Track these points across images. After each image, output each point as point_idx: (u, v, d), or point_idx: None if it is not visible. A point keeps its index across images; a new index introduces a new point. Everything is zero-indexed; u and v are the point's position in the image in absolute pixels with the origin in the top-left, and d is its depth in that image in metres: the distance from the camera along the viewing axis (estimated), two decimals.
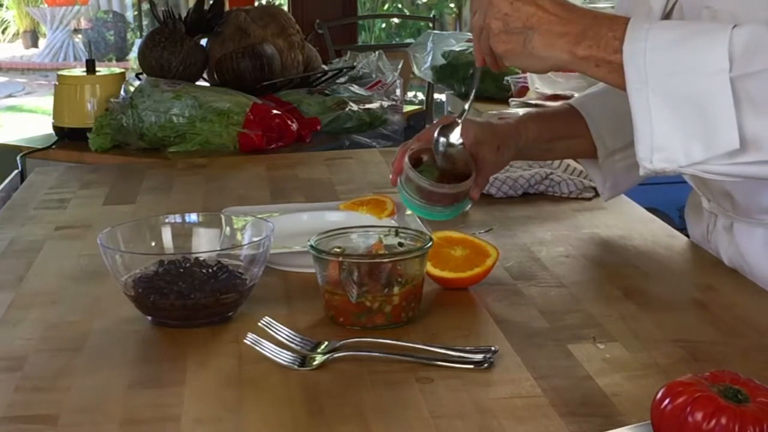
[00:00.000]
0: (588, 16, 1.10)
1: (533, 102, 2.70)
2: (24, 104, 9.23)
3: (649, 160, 1.05)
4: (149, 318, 1.13)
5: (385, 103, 2.74)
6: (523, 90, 2.85)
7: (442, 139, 1.30)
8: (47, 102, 8.48)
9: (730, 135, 0.99)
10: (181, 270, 1.13)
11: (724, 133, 1.00)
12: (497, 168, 1.39)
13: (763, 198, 1.20)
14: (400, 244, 1.17)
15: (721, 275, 1.27)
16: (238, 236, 1.23)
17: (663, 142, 1.03)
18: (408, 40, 5.09)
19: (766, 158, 1.01)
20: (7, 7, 12.22)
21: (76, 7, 11.69)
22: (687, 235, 1.45)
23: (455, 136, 1.30)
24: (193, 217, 1.27)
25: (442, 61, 3.20)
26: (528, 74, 2.81)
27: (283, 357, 1.01)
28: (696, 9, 1.18)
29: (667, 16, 1.24)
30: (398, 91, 2.87)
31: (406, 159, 1.30)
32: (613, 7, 1.75)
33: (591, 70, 1.09)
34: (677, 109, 1.02)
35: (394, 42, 8.35)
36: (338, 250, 1.14)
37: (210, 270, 1.14)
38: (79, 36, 11.55)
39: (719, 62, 0.99)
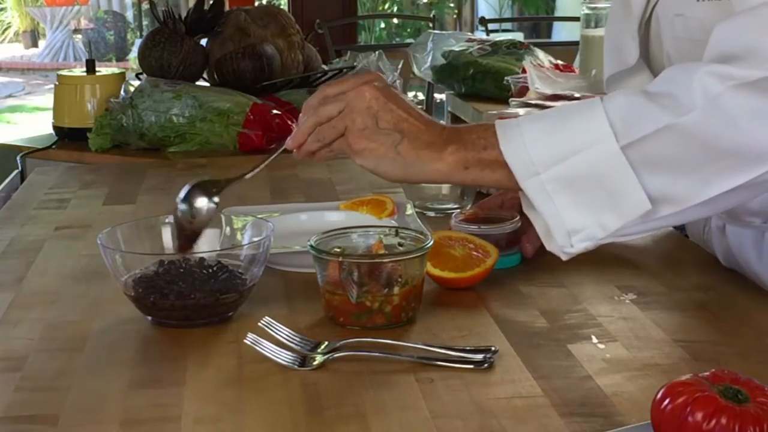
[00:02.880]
0: (454, 126, 1.10)
1: (533, 102, 2.70)
2: (25, 104, 9.23)
3: (569, 245, 1.05)
4: (149, 318, 1.13)
5: None
6: (523, 90, 2.84)
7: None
8: (46, 102, 8.52)
9: (639, 198, 1.00)
10: (181, 270, 1.13)
11: (632, 199, 1.01)
12: None
13: (750, 202, 1.20)
14: (400, 244, 1.17)
15: (721, 275, 1.27)
16: (238, 236, 1.23)
17: (576, 224, 1.03)
18: (408, 40, 5.09)
19: (679, 209, 1.02)
20: (8, 8, 12.22)
21: (76, 7, 11.70)
22: (687, 235, 1.45)
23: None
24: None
25: (442, 61, 3.20)
26: (528, 74, 2.81)
27: (283, 357, 1.01)
28: (669, 17, 1.19)
29: (646, 23, 1.25)
30: None
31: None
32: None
33: (459, 175, 1.08)
34: (578, 189, 1.02)
35: (394, 42, 8.36)
36: (338, 250, 1.14)
37: (210, 270, 1.14)
38: (79, 36, 11.55)
39: (603, 137, 1.00)
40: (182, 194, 1.15)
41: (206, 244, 1.22)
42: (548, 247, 1.07)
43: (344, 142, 1.12)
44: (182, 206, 1.14)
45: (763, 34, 0.98)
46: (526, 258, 1.32)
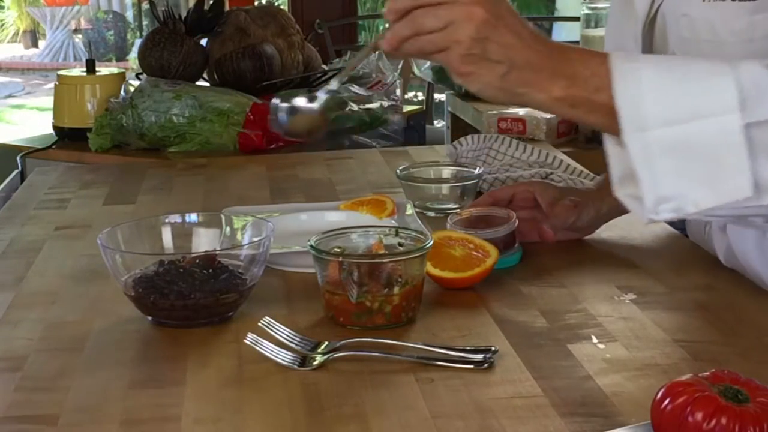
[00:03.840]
0: (566, 52, 1.03)
1: None
2: (24, 104, 9.23)
3: (654, 212, 0.99)
4: (149, 318, 1.13)
5: (385, 103, 2.74)
6: None
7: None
8: (40, 102, 8.50)
9: (742, 183, 0.95)
10: (181, 270, 1.13)
11: (736, 181, 0.96)
12: (566, 224, 1.35)
13: None
14: (400, 244, 1.17)
15: (721, 275, 1.27)
16: (238, 236, 1.23)
17: (669, 192, 0.98)
18: None
19: None
20: (7, 7, 12.22)
21: (76, 7, 11.70)
22: (687, 235, 1.45)
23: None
24: (193, 217, 1.27)
25: None
26: None
27: (283, 357, 1.01)
28: (675, 17, 1.18)
29: (651, 22, 1.24)
30: (398, 91, 2.87)
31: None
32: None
33: (562, 110, 1.02)
34: (684, 158, 0.96)
35: None
36: (338, 250, 1.14)
37: (210, 270, 1.14)
38: (79, 36, 11.56)
39: (728, 109, 0.94)
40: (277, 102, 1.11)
41: (206, 245, 1.23)
42: (621, 197, 1.01)
43: (446, 60, 1.02)
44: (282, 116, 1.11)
45: None
46: (526, 256, 1.32)
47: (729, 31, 1.10)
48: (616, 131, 0.99)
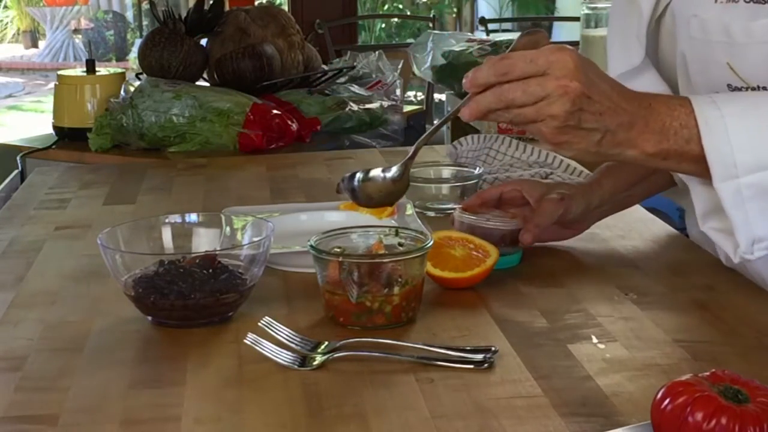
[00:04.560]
0: (647, 105, 1.04)
1: None
2: (23, 104, 9.22)
3: (750, 252, 1.04)
4: (149, 318, 1.13)
5: (385, 103, 2.74)
6: None
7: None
8: (38, 104, 8.48)
9: None
10: (181, 270, 1.13)
11: None
12: (553, 218, 1.32)
13: None
14: (400, 244, 1.17)
15: (721, 275, 1.27)
16: (238, 236, 1.23)
17: (763, 233, 1.02)
18: (408, 40, 5.09)
19: None
20: (7, 6, 12.22)
21: (76, 7, 11.70)
22: (687, 235, 1.45)
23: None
24: (193, 217, 1.27)
25: (442, 61, 3.20)
26: None
27: (283, 357, 1.01)
28: (685, 17, 1.17)
29: (657, 21, 1.24)
30: (398, 91, 2.87)
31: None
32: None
33: (655, 163, 1.05)
34: None
35: (394, 42, 8.36)
36: (338, 250, 1.14)
37: (210, 270, 1.14)
38: (79, 36, 11.55)
39: None
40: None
41: (206, 245, 1.23)
42: (707, 231, 1.05)
43: (538, 131, 1.02)
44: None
45: None
46: (526, 257, 1.32)
47: (742, 32, 1.10)
48: (707, 177, 1.03)
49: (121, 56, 11.05)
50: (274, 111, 2.44)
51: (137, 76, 2.65)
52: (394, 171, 1.14)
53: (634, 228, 1.45)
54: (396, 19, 9.83)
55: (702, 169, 1.04)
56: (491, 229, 1.28)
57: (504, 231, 1.27)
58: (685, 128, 1.03)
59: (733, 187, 1.01)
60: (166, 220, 1.24)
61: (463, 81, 1.02)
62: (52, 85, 2.68)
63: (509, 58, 1.01)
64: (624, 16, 1.27)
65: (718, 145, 1.01)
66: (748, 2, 1.09)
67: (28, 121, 8.00)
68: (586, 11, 2.83)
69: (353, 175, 1.17)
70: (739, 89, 1.10)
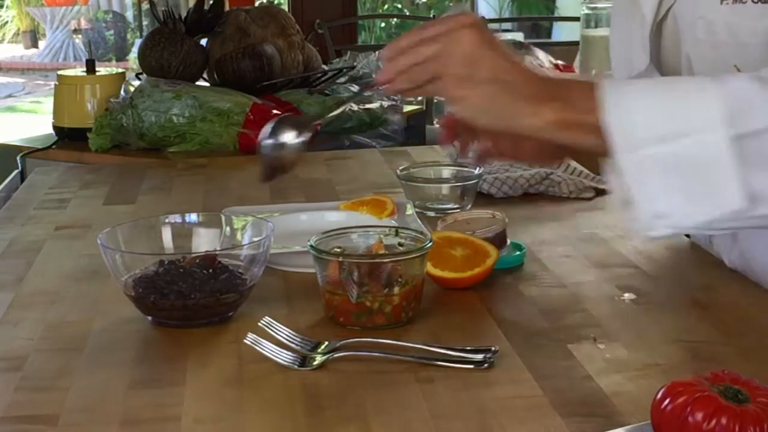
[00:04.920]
0: (555, 80, 1.05)
1: None
2: (21, 105, 9.21)
3: (651, 228, 1.00)
4: (149, 318, 1.13)
5: (385, 103, 2.74)
6: None
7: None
8: (33, 106, 8.44)
9: (735, 194, 0.96)
10: (181, 270, 1.13)
11: (728, 193, 0.96)
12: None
13: None
14: (400, 244, 1.17)
15: (721, 275, 1.27)
16: (238, 236, 1.23)
17: (665, 209, 0.99)
18: None
19: None
20: (7, 7, 12.22)
21: (76, 7, 11.70)
22: (687, 235, 1.44)
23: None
24: (193, 217, 1.27)
25: None
26: None
27: (283, 357, 1.01)
28: (690, 19, 1.17)
29: (659, 24, 1.23)
30: None
31: None
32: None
33: (554, 133, 1.02)
34: (675, 173, 0.98)
35: None
36: (338, 250, 1.14)
37: (210, 270, 1.14)
38: (79, 36, 11.55)
39: (714, 123, 0.95)
40: (268, 129, 1.11)
41: (206, 245, 1.22)
42: (630, 224, 1.02)
43: (438, 87, 1.04)
44: (268, 141, 1.11)
45: None
46: (526, 257, 1.32)
47: (750, 33, 1.09)
48: (608, 152, 1.00)
49: (121, 56, 11.05)
50: (274, 111, 2.43)
51: (137, 76, 2.65)
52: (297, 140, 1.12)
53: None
54: (396, 19, 9.83)
55: (602, 143, 1.00)
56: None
57: (490, 238, 1.27)
58: (587, 99, 1.01)
59: (634, 160, 0.98)
60: (166, 220, 1.24)
61: (383, 52, 1.07)
62: (52, 85, 2.68)
63: (421, 26, 1.05)
64: (626, 21, 1.27)
65: (619, 116, 0.99)
66: (756, 2, 1.09)
67: (24, 122, 7.97)
68: (586, 11, 2.84)
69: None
70: None
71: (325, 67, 2.91)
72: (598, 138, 1.00)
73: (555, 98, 1.02)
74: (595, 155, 1.03)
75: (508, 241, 1.32)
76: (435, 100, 3.18)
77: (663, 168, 0.98)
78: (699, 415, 0.74)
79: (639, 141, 0.98)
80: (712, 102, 0.96)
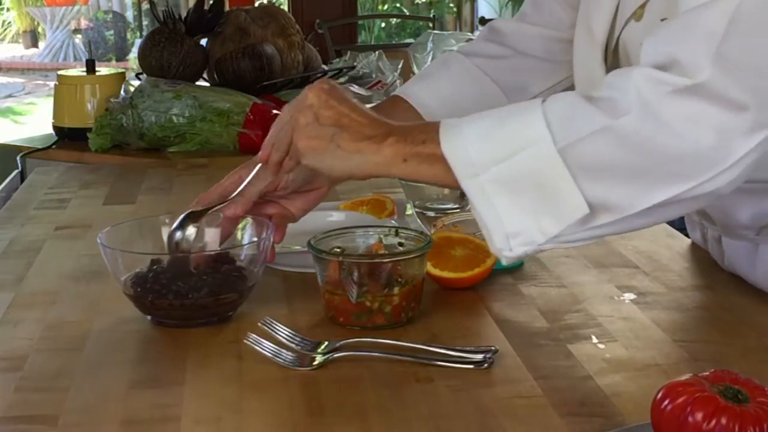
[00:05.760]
0: (393, 124, 1.09)
1: None
2: (15, 107, 9.20)
3: (508, 249, 1.02)
4: (149, 318, 1.13)
5: None
6: None
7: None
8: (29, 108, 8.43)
9: (576, 203, 0.98)
10: (181, 270, 1.13)
11: (570, 202, 0.98)
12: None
13: (739, 215, 1.20)
14: (400, 244, 1.17)
15: (720, 276, 1.27)
16: (238, 236, 1.23)
17: (515, 227, 1.00)
18: (408, 40, 5.09)
19: (618, 217, 0.99)
20: (8, 9, 12.22)
21: (76, 7, 11.70)
22: (687, 235, 1.45)
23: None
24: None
25: None
26: None
27: (283, 357, 1.01)
28: (634, 45, 1.16)
29: (614, 52, 1.23)
30: None
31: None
32: None
33: (398, 168, 1.06)
34: (517, 191, 1.00)
35: (394, 42, 8.35)
36: (338, 250, 1.14)
37: (209, 270, 1.13)
38: (79, 36, 11.55)
39: (540, 138, 0.98)
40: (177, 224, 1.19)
41: (206, 244, 1.22)
42: (491, 248, 1.04)
43: (294, 143, 1.11)
44: (178, 234, 1.18)
45: (680, 46, 0.97)
46: (527, 259, 1.32)
47: None
48: (451, 180, 1.03)
49: (121, 56, 11.04)
50: (274, 111, 2.43)
51: (137, 76, 2.65)
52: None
53: None
54: (396, 19, 9.83)
55: (444, 171, 1.03)
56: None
57: None
58: (423, 133, 1.05)
59: (477, 185, 1.01)
60: (166, 220, 1.24)
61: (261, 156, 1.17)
62: (52, 85, 2.68)
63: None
64: (586, 45, 1.27)
65: (454, 145, 1.02)
66: None
67: (19, 125, 7.96)
68: None
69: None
70: None
71: (325, 67, 2.91)
72: (438, 167, 1.03)
73: (392, 134, 1.06)
74: (453, 188, 1.07)
75: None
76: None
77: (504, 188, 1.00)
78: (699, 415, 0.74)
79: (476, 167, 1.00)
80: (536, 119, 0.99)
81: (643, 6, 1.14)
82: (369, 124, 1.08)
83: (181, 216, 1.19)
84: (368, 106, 1.17)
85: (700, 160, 0.95)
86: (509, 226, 1.00)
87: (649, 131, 0.95)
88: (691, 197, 0.97)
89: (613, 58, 1.24)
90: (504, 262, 1.04)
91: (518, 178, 0.99)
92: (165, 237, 1.20)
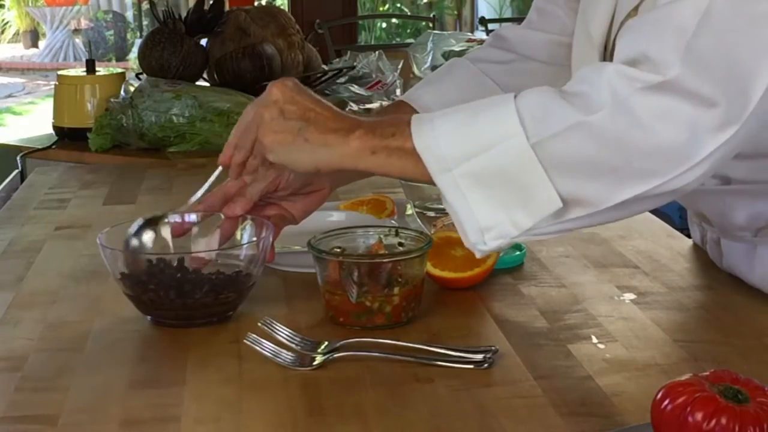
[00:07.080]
0: (361, 118, 1.09)
1: None
2: (14, 107, 9.20)
3: (482, 242, 1.02)
4: (149, 318, 1.13)
5: (385, 103, 2.74)
6: None
7: None
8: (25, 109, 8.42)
9: (549, 196, 0.98)
10: (181, 269, 1.13)
11: (542, 197, 0.98)
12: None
13: (736, 217, 1.20)
14: (400, 244, 1.17)
15: (720, 275, 1.27)
16: (238, 236, 1.23)
17: (489, 221, 1.01)
18: (408, 40, 5.09)
19: (590, 211, 0.99)
20: (8, 8, 12.22)
21: (76, 7, 11.70)
22: (687, 235, 1.45)
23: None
24: (192, 216, 1.27)
25: (442, 61, 3.20)
26: None
27: (283, 357, 1.01)
28: None
29: (611, 54, 1.23)
30: (398, 91, 2.87)
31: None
32: None
33: (366, 160, 1.05)
34: (490, 186, 1.00)
35: (394, 42, 8.35)
36: (338, 250, 1.14)
37: (209, 269, 1.13)
38: (79, 36, 11.55)
39: (513, 133, 0.98)
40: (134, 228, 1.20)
41: (206, 245, 1.22)
42: (465, 243, 1.04)
43: (260, 140, 1.10)
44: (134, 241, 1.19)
45: (651, 42, 0.97)
46: (526, 257, 1.32)
47: None
48: (420, 173, 1.03)
49: (121, 56, 11.04)
50: None
51: (137, 76, 2.65)
52: None
53: (634, 228, 1.45)
54: (396, 19, 9.83)
55: (413, 164, 1.03)
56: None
57: None
58: (393, 127, 1.04)
59: (450, 180, 1.01)
60: (166, 220, 1.24)
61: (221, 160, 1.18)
62: (52, 85, 2.68)
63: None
64: (584, 47, 1.27)
65: (426, 140, 1.02)
66: None
67: (16, 125, 7.96)
68: None
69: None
70: None
71: (325, 67, 2.91)
72: (407, 160, 1.03)
73: (359, 127, 1.06)
74: (427, 183, 1.05)
75: None
76: None
77: (477, 182, 1.00)
78: (699, 415, 0.74)
79: (449, 161, 1.00)
80: (509, 113, 0.99)
81: (636, 7, 1.14)
82: (335, 118, 1.08)
83: (139, 221, 1.20)
84: (371, 107, 1.17)
85: (670, 156, 0.96)
86: (483, 220, 1.01)
87: (621, 127, 0.96)
88: (662, 192, 0.98)
89: (610, 59, 1.24)
90: (478, 256, 1.04)
91: (491, 172, 0.99)
92: (167, 237, 1.21)
